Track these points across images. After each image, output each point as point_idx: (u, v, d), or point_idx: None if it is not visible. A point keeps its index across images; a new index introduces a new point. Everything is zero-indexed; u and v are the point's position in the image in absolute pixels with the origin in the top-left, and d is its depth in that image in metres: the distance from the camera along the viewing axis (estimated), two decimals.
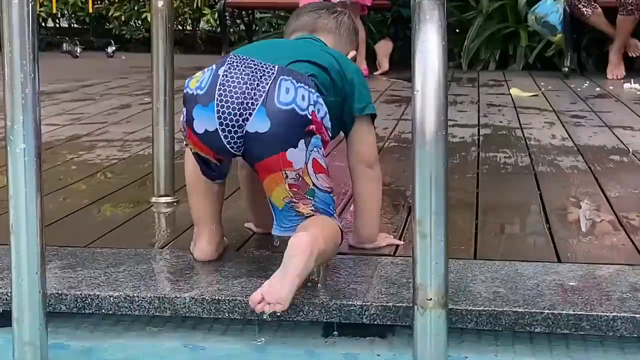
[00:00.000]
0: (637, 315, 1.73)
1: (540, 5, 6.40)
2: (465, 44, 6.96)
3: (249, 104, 1.90)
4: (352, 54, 2.22)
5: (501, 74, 6.63)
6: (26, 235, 1.57)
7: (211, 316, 1.83)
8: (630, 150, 3.51)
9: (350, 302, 1.80)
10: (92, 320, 1.91)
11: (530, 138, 3.84)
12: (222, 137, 1.92)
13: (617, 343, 1.78)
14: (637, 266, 2.04)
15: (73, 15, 9.40)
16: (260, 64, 1.95)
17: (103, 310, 1.85)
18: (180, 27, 8.84)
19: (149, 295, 1.85)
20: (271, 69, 1.94)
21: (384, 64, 6.61)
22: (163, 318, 1.88)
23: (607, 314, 1.74)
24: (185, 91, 1.98)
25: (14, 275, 1.59)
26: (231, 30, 8.08)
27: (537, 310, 1.75)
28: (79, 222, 2.48)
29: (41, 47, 8.03)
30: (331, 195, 2.00)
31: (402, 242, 2.22)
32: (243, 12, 8.17)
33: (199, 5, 8.62)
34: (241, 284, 1.90)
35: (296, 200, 1.95)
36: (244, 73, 1.93)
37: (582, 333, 1.75)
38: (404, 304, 1.78)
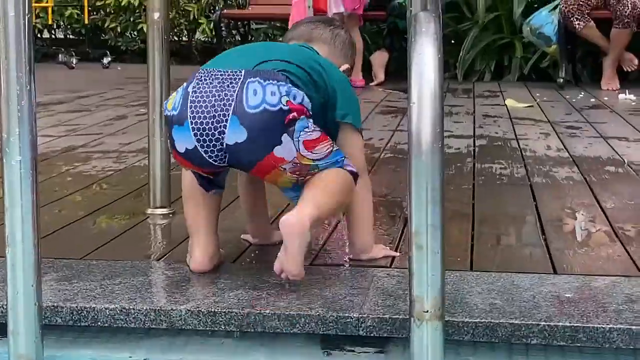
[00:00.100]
0: (634, 327, 1.73)
1: (535, 17, 6.43)
2: (461, 54, 6.98)
3: (221, 116, 1.90)
4: (344, 67, 2.21)
5: (496, 85, 6.65)
6: (22, 247, 1.57)
7: (207, 329, 1.83)
8: (626, 161, 3.52)
9: (346, 315, 1.80)
10: (88, 333, 1.91)
11: (525, 149, 3.85)
12: (202, 153, 1.93)
13: (614, 355, 1.78)
14: (633, 277, 2.04)
15: (69, 27, 9.40)
16: (227, 72, 1.94)
17: (99, 323, 1.85)
18: (176, 38, 8.85)
19: (144, 308, 1.84)
20: (238, 75, 1.93)
21: (379, 74, 6.63)
22: (159, 330, 1.87)
23: (603, 326, 1.74)
24: (164, 113, 2.01)
25: (10, 287, 1.58)
26: (227, 41, 8.09)
27: (534, 322, 1.75)
28: (75, 233, 2.48)
29: (37, 58, 7.99)
30: (333, 152, 1.99)
31: (398, 254, 2.22)
32: (239, 23, 8.19)
33: (195, 16, 8.63)
34: (237, 296, 1.90)
35: (303, 178, 1.98)
36: (211, 86, 1.93)
37: (579, 345, 1.75)
38: (400, 316, 1.78)
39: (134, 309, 1.84)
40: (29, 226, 1.56)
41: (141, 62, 6.85)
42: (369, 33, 7.18)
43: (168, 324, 1.83)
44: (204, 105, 1.92)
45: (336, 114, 2.05)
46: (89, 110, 5.26)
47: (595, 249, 2.30)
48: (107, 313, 1.84)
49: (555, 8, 6.36)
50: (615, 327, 1.73)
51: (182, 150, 1.96)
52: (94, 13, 9.08)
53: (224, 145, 1.92)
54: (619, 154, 3.69)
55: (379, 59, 6.71)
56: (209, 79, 1.95)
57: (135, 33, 9.02)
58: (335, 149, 2.01)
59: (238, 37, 8.33)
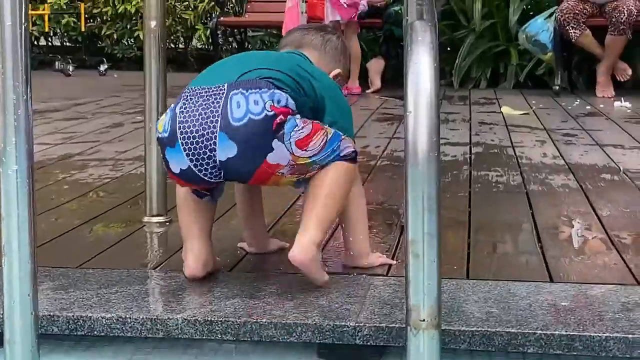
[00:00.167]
0: (630, 336, 1.73)
1: (531, 24, 6.44)
2: (457, 62, 7.00)
3: (210, 133, 1.92)
4: (335, 72, 2.21)
5: (492, 92, 6.66)
6: (18, 257, 1.56)
7: (204, 337, 1.83)
8: (621, 169, 3.53)
9: (343, 323, 1.80)
10: (84, 342, 1.90)
11: (521, 156, 3.85)
12: (197, 172, 1.95)
13: None
14: (629, 286, 2.05)
15: (65, 34, 9.41)
16: (211, 88, 1.96)
17: (95, 332, 1.85)
18: (172, 45, 8.86)
19: (141, 317, 1.84)
20: (221, 90, 1.95)
21: (376, 82, 6.64)
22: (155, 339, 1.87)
23: (599, 335, 1.74)
24: (155, 135, 2.02)
25: (6, 297, 1.58)
26: (223, 48, 8.10)
27: (530, 331, 1.75)
28: (71, 242, 2.48)
29: (33, 65, 8.01)
30: (328, 141, 1.98)
31: (395, 262, 2.22)
32: (235, 31, 8.20)
33: (192, 23, 8.64)
34: (234, 305, 1.90)
35: (303, 175, 1.99)
36: (197, 104, 1.95)
37: (575, 354, 1.75)
38: (397, 325, 1.78)
39: (130, 318, 1.84)
40: (25, 236, 1.56)
41: (138, 69, 6.86)
42: (365, 40, 7.20)
43: (164, 333, 1.83)
44: (192, 124, 1.93)
45: (324, 121, 2.05)
46: (85, 118, 5.26)
47: (592, 257, 2.30)
48: (104, 322, 1.84)
49: (550, 16, 6.38)
50: (611, 335, 1.73)
51: (177, 170, 1.98)
52: (91, 20, 9.09)
53: (217, 162, 1.93)
54: (614, 162, 3.70)
55: (375, 66, 6.73)
56: (195, 97, 1.96)
57: (132, 40, 9.03)
58: (330, 136, 1.99)
59: (235, 45, 8.34)
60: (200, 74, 2.10)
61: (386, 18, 6.64)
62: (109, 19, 8.93)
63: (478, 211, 2.83)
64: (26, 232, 1.56)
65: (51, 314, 1.85)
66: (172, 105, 2.00)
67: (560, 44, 6.32)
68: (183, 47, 9.06)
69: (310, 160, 1.97)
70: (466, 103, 6.00)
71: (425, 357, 1.54)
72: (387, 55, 6.77)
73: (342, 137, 2.02)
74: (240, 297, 1.95)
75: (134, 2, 8.71)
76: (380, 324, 1.79)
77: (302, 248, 1.94)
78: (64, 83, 7.80)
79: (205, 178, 1.96)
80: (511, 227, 2.65)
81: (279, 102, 1.93)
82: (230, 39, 8.41)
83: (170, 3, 8.49)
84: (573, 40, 6.22)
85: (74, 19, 9.01)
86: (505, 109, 5.49)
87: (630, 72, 6.34)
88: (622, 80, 6.35)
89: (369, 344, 1.79)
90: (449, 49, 7.12)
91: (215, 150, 1.92)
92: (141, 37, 7.92)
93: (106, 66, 8.41)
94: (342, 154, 2.01)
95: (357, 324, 1.79)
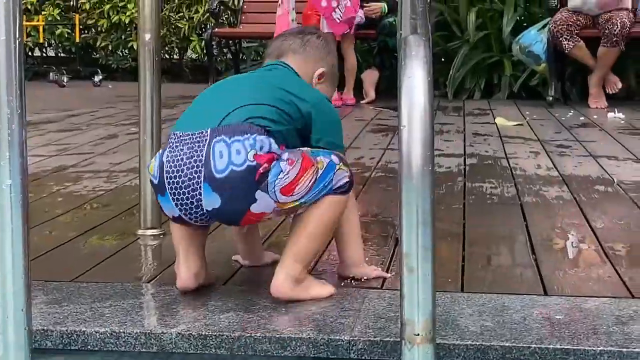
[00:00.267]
0: (624, 349, 1.73)
1: (525, 35, 6.46)
2: (451, 73, 7.02)
3: (195, 184, 1.94)
4: (319, 71, 2.18)
5: (486, 103, 6.68)
6: (12, 272, 1.56)
7: (198, 352, 1.82)
8: (615, 181, 3.53)
9: (337, 337, 1.80)
10: (78, 357, 1.89)
11: (515, 168, 3.86)
12: (187, 219, 2.00)
13: None
14: (623, 299, 2.05)
15: (60, 45, 9.41)
16: (194, 135, 1.96)
17: (89, 347, 1.84)
18: (167, 56, 8.86)
19: (135, 331, 1.84)
20: (204, 137, 1.95)
21: (370, 93, 6.65)
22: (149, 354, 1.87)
23: (594, 348, 1.74)
24: (149, 178, 2.06)
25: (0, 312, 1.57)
26: (218, 59, 8.10)
27: (525, 345, 1.75)
28: (65, 255, 2.47)
29: (28, 76, 8.03)
30: (317, 179, 1.96)
31: (389, 275, 2.21)
32: (230, 42, 8.20)
33: (186, 34, 8.65)
34: (228, 319, 1.89)
35: (293, 213, 2.02)
36: (182, 152, 1.96)
37: None
38: (391, 339, 1.77)
39: (124, 333, 1.83)
40: (19, 251, 1.55)
41: (132, 80, 6.86)
42: (359, 51, 7.21)
43: (158, 348, 1.83)
44: (177, 175, 1.96)
45: (312, 139, 2.05)
46: (79, 129, 5.25)
47: (586, 270, 2.30)
48: (97, 337, 1.84)
49: (544, 27, 6.40)
50: (605, 349, 1.73)
51: (170, 216, 2.04)
52: (85, 31, 9.09)
53: (205, 211, 1.97)
54: (608, 173, 3.70)
55: (370, 77, 6.74)
56: (180, 144, 1.98)
57: (126, 51, 9.03)
58: (321, 173, 1.97)
59: (229, 56, 8.35)
60: (184, 113, 2.10)
61: (380, 29, 6.66)
62: (103, 30, 8.93)
63: (472, 223, 2.83)
64: (20, 247, 1.55)
65: (45, 328, 1.85)
66: (160, 151, 2.03)
67: (553, 55, 6.34)
68: (178, 57, 9.06)
69: (297, 203, 1.97)
70: (460, 114, 6.01)
71: None
72: (382, 66, 6.79)
73: (337, 167, 2.00)
74: (235, 310, 1.95)
75: (128, 13, 8.72)
76: (374, 338, 1.79)
77: (277, 283, 1.98)
78: (58, 94, 7.79)
79: (197, 223, 2.02)
80: (505, 240, 2.65)
81: (261, 148, 1.92)
82: (225, 50, 8.42)
83: (165, 14, 8.50)
84: (566, 51, 6.25)
85: (69, 30, 9.01)
86: (499, 120, 5.50)
87: (620, 85, 6.36)
88: (612, 92, 6.37)
89: (363, 358, 1.78)
90: (442, 60, 7.13)
91: (201, 201, 1.95)
92: (135, 47, 7.93)
93: (101, 77, 8.41)
94: (335, 187, 2.00)
95: (351, 338, 1.79)
